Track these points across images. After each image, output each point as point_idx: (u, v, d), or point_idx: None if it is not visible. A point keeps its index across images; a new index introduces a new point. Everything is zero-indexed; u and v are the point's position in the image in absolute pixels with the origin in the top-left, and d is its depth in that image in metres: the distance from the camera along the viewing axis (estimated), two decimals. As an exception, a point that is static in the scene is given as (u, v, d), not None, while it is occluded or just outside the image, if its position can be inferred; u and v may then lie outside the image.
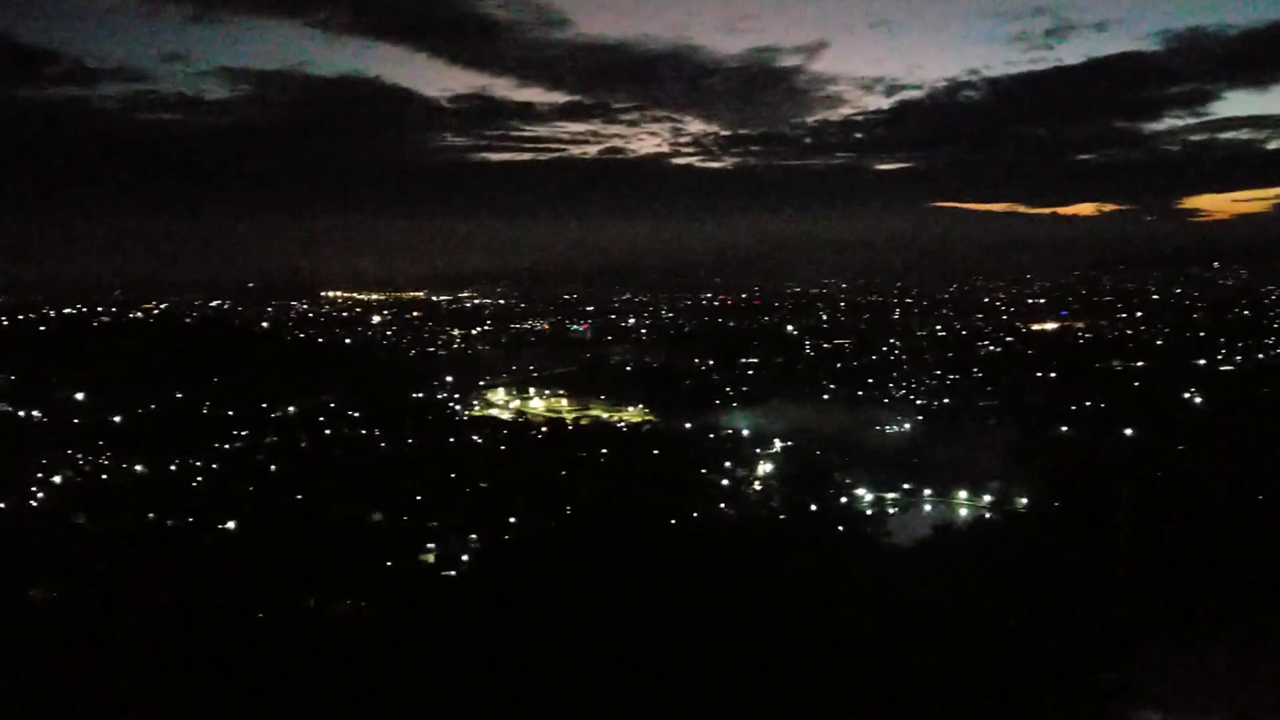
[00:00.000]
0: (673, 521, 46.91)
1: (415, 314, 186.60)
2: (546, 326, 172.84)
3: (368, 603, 35.58)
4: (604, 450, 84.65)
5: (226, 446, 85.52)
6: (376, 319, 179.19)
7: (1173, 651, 15.67)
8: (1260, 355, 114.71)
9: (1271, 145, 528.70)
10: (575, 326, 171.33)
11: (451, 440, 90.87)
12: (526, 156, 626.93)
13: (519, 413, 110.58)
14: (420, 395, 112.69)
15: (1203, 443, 75.51)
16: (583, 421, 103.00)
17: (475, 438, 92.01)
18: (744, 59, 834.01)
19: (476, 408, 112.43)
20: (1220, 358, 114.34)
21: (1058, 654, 15.98)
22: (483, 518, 62.57)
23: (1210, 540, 25.94)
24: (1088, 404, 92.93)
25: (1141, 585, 20.13)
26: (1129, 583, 19.82)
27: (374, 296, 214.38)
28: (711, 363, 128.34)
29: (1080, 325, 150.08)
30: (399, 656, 20.42)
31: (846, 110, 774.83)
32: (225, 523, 62.21)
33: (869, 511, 68.39)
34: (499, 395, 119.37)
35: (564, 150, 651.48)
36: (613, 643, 18.54)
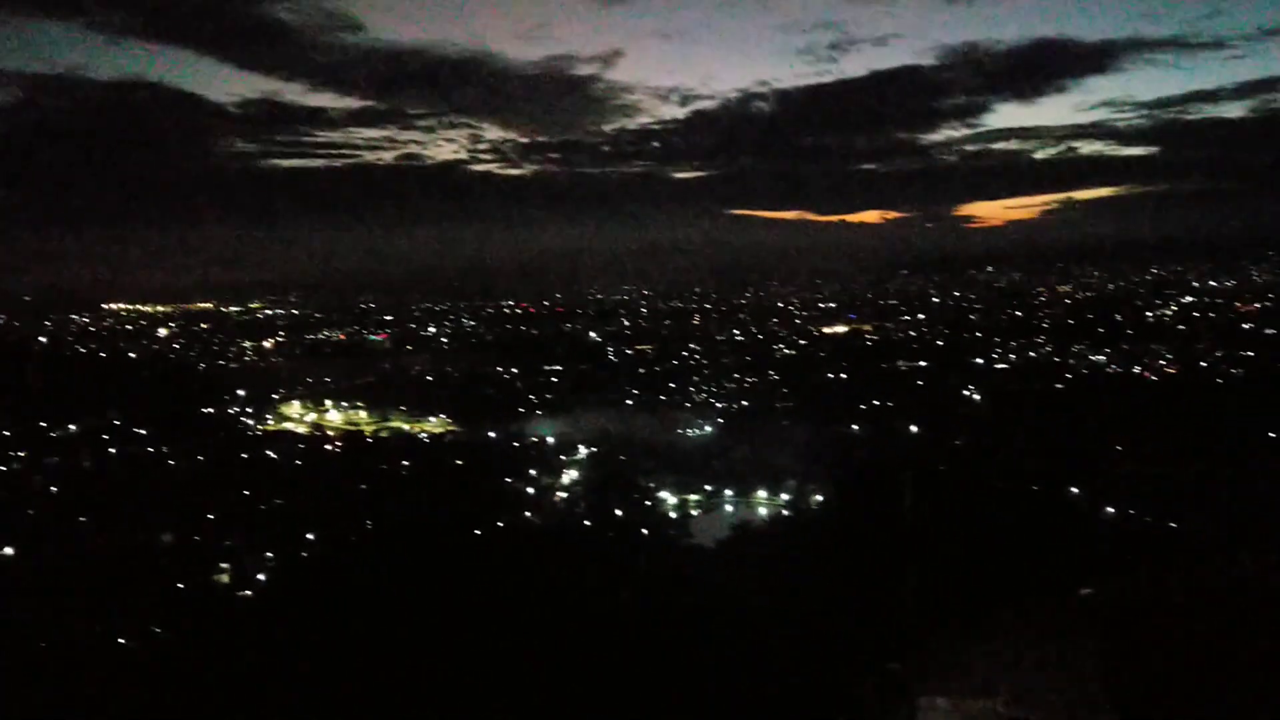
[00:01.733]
0: (477, 532, 46.76)
1: (204, 326, 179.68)
2: (343, 337, 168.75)
3: (160, 626, 34.29)
4: (405, 462, 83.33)
5: (3, 468, 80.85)
6: (163, 332, 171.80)
7: (957, 639, 16.41)
8: (1031, 353, 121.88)
9: (1039, 155, 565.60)
10: (373, 336, 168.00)
11: (245, 456, 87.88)
12: (319, 163, 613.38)
13: (316, 426, 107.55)
14: (211, 410, 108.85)
15: (980, 436, 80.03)
16: (383, 433, 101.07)
17: (270, 453, 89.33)
18: (541, 67, 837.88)
19: (271, 422, 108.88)
20: (995, 356, 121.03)
21: (848, 646, 16.58)
22: (279, 535, 61.13)
23: (989, 528, 27.43)
24: (876, 403, 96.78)
25: (927, 575, 21.06)
26: (915, 573, 20.71)
27: (160, 308, 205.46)
28: (515, 371, 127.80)
29: (868, 328, 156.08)
30: (194, 679, 19.63)
31: (643, 119, 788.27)
32: (1, 549, 58.88)
33: (672, 514, 69.64)
34: (294, 408, 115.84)
35: (358, 156, 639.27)
36: (416, 654, 18.25)
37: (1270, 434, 71.10)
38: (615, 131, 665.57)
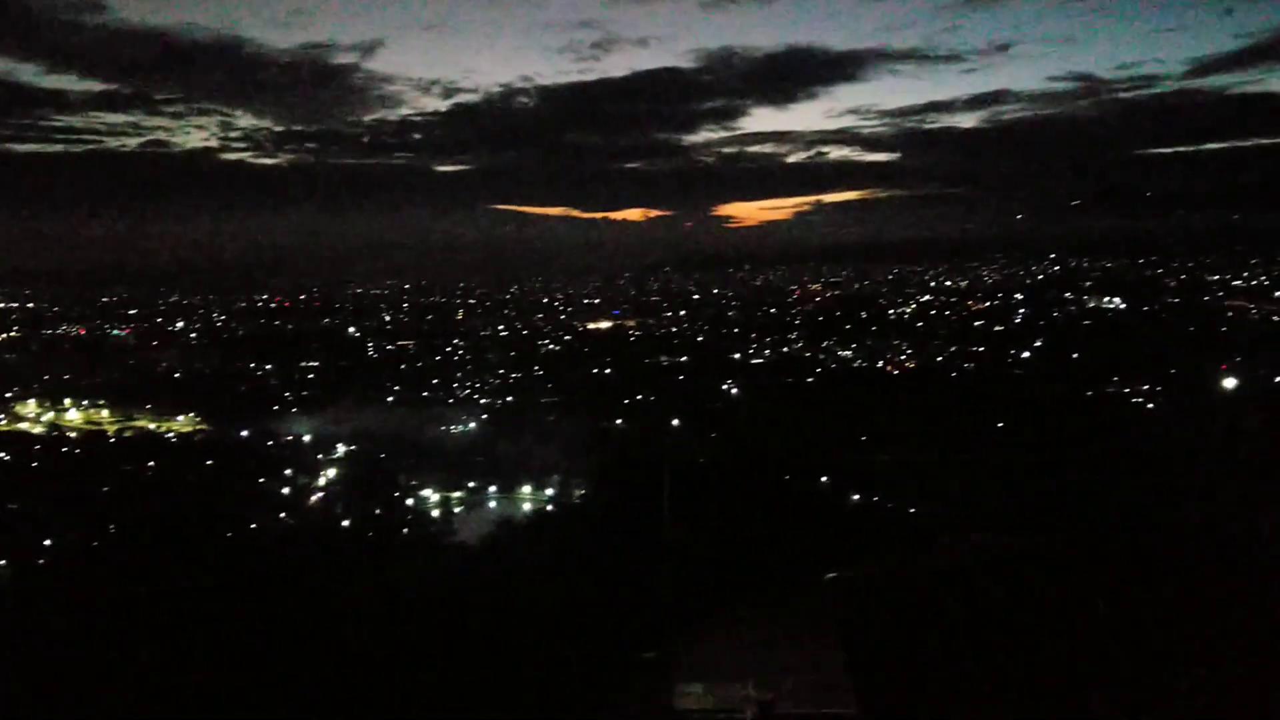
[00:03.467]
0: (229, 534, 45.02)
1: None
2: (83, 332, 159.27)
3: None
4: (151, 463, 79.21)
5: None
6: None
7: (711, 626, 16.94)
8: (785, 349, 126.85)
9: (791, 159, 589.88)
10: (116, 331, 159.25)
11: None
12: (58, 148, 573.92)
13: (53, 426, 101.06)
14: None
15: (737, 429, 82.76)
16: (127, 433, 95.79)
17: (2, 454, 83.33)
18: (297, 54, 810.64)
19: (4, 421, 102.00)
20: (752, 351, 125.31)
21: (607, 636, 16.85)
22: (12, 541, 57.15)
23: (744, 517, 28.40)
24: (639, 397, 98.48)
25: (684, 564, 21.63)
26: (673, 563, 21.24)
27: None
28: (269, 367, 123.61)
29: (631, 324, 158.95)
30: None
31: (404, 110, 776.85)
32: None
33: (435, 512, 68.92)
34: (30, 407, 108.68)
35: (101, 142, 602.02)
36: (162, 661, 17.49)
37: (999, 424, 76.40)
38: (375, 122, 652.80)
